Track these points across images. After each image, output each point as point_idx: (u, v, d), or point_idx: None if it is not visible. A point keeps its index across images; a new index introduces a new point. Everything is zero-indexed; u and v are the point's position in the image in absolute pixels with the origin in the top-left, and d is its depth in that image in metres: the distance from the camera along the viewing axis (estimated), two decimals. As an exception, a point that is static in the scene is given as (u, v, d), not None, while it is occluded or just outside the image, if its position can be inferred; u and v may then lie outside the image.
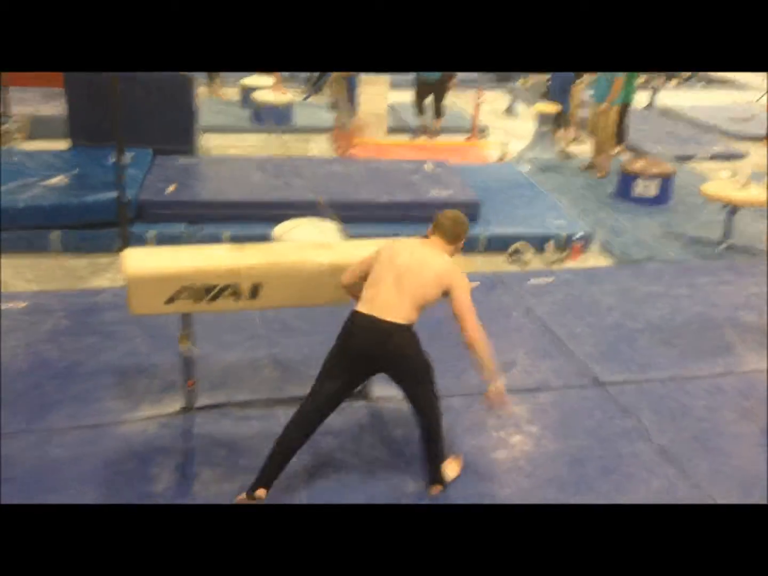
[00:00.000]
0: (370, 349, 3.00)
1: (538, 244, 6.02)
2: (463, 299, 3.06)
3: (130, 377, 3.91)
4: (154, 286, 3.20)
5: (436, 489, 3.23)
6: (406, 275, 3.00)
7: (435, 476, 3.22)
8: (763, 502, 3.25)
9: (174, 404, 3.66)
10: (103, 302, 4.64)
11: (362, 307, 3.03)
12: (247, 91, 10.00)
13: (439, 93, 8.83)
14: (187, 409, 3.63)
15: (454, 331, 4.26)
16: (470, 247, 5.90)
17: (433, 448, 3.20)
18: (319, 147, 8.83)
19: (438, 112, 9.00)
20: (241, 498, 3.02)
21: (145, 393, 3.77)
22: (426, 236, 3.19)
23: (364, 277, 3.12)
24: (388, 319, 2.96)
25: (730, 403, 3.99)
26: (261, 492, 2.98)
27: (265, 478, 3.01)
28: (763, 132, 10.17)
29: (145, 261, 3.27)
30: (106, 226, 5.62)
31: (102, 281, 5.18)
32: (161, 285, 3.19)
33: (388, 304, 2.97)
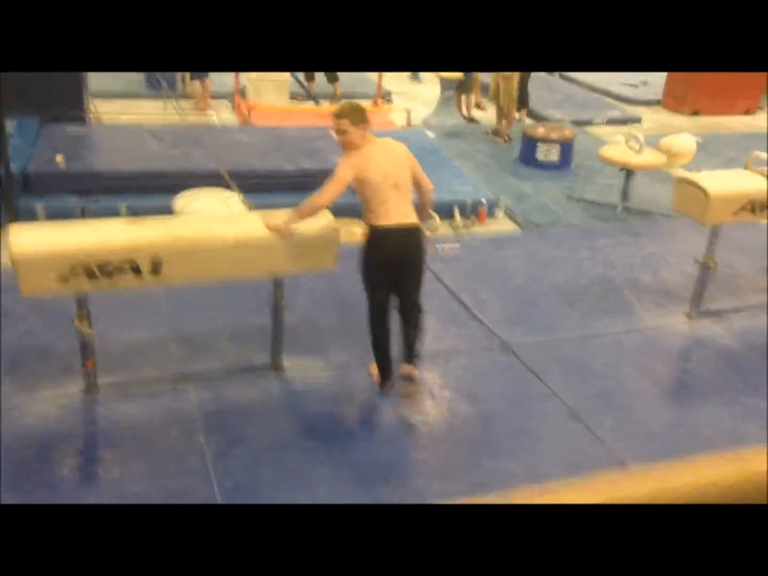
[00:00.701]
0: (404, 253, 3.49)
1: (445, 210, 6.05)
2: (421, 171, 3.63)
3: (27, 359, 3.69)
4: (44, 265, 3.01)
5: (411, 369, 3.76)
6: (398, 182, 3.42)
7: (411, 357, 3.75)
8: (662, 454, 3.40)
9: (73, 386, 3.49)
10: (-9, 282, 4.36)
11: (384, 222, 3.38)
12: (140, 56, 9.56)
13: None
14: (88, 391, 3.46)
15: (361, 306, 4.22)
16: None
17: (416, 334, 3.72)
18: (220, 114, 8.55)
19: (331, 78, 8.97)
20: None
21: (43, 375, 3.58)
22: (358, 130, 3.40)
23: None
24: (410, 223, 3.44)
25: (630, 360, 4.15)
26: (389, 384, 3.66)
27: (385, 373, 3.67)
28: (655, 97, 10.57)
29: (33, 238, 3.07)
30: (-9, 200, 5.27)
31: (-11, 259, 4.86)
32: (52, 263, 3.01)
33: (403, 211, 3.41)
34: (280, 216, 3.38)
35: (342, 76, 10.37)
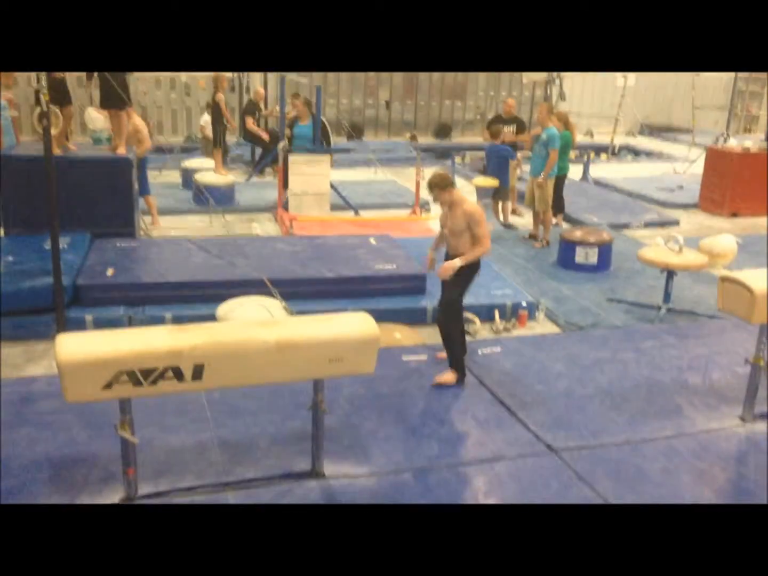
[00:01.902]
0: None
1: (485, 314, 6.05)
2: (480, 231, 4.64)
3: (68, 468, 3.69)
4: (89, 372, 3.05)
5: (448, 376, 4.75)
6: (454, 230, 4.72)
7: (451, 362, 4.79)
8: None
9: (114, 495, 3.45)
10: (38, 391, 4.43)
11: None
12: (188, 173, 10.03)
13: None
14: (128, 500, 3.43)
15: (402, 409, 4.18)
16: (417, 319, 5.91)
17: (446, 340, 4.80)
18: (263, 226, 8.83)
19: None
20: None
21: (83, 484, 3.56)
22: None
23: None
24: (453, 254, 4.78)
25: (684, 465, 3.97)
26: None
27: (461, 369, 4.77)
28: (692, 201, 10.64)
29: (78, 346, 3.12)
30: (42, 312, 5.44)
31: (38, 369, 4.97)
32: (97, 370, 3.05)
33: (449, 243, 4.82)
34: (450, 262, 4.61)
35: (379, 187, 10.72)
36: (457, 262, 4.58)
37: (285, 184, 8.87)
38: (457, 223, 4.63)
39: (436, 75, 16.88)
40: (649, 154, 15.81)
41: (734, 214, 10.10)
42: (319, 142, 9.43)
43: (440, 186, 4.72)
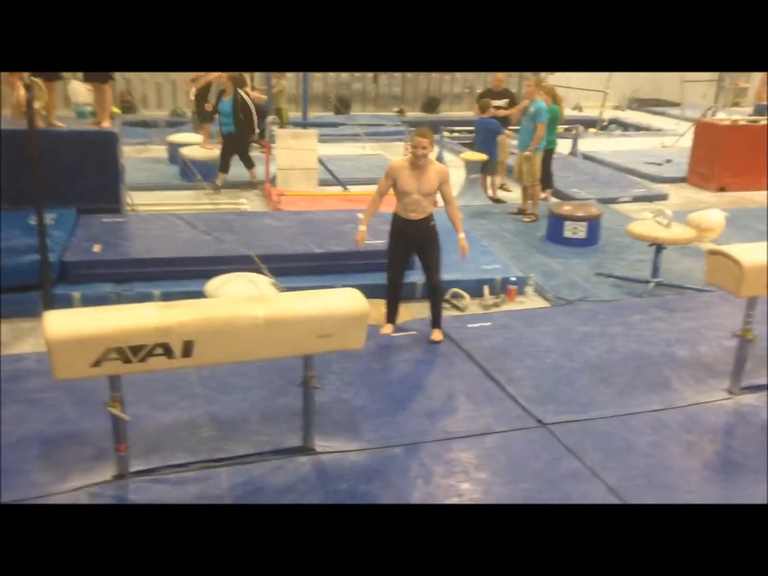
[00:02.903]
0: (414, 237, 4.91)
1: (474, 289, 6.05)
2: (449, 189, 4.89)
3: (59, 446, 3.69)
4: (77, 349, 3.03)
5: (438, 334, 5.00)
6: (420, 182, 4.74)
7: (437, 322, 5.04)
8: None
9: (106, 472, 3.45)
10: (27, 368, 4.41)
11: (403, 214, 4.86)
12: (174, 148, 9.92)
13: (240, 146, 9.07)
14: (120, 476, 3.43)
15: (392, 385, 4.21)
16: (407, 294, 5.90)
17: (438, 302, 5.06)
18: (251, 202, 8.77)
19: (247, 164, 9.27)
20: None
21: (75, 462, 3.55)
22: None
23: (383, 193, 4.93)
24: (422, 217, 4.82)
25: (672, 437, 4.01)
26: (388, 328, 5.09)
27: (390, 316, 5.09)
28: (680, 174, 10.64)
29: (66, 323, 3.10)
30: (29, 289, 5.39)
31: (25, 347, 4.93)
32: (85, 347, 3.03)
33: (419, 207, 4.81)
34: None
35: (367, 162, 10.65)
36: (463, 235, 4.88)
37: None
38: (431, 184, 4.73)
39: (423, 48, 16.73)
40: (638, 128, 15.80)
41: (722, 189, 10.12)
42: (239, 120, 8.96)
43: (431, 141, 4.72)
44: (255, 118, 9.13)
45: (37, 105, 5.49)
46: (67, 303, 5.30)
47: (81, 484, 3.39)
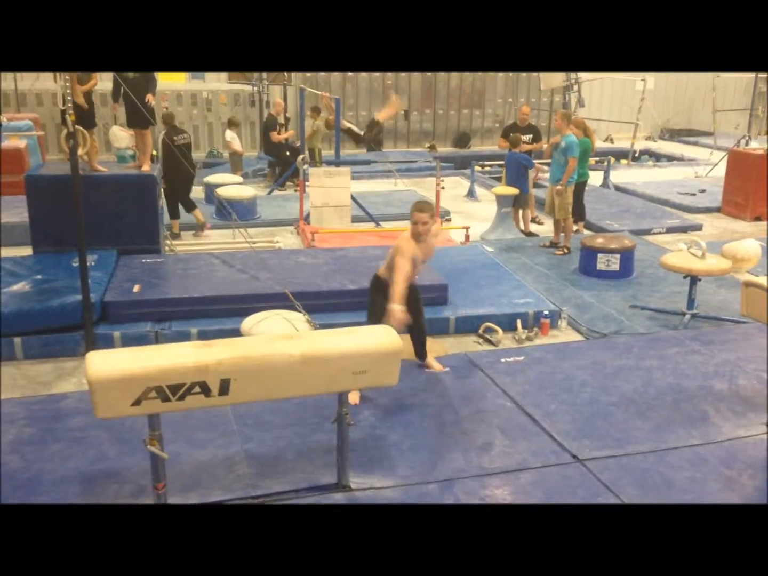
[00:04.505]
0: (409, 298, 4.54)
1: (507, 323, 6.05)
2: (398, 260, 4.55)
3: (98, 483, 3.76)
4: (118, 389, 3.11)
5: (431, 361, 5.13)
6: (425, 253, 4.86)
7: (423, 355, 5.11)
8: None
9: (144, 510, 3.51)
10: (69, 407, 4.52)
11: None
12: (210, 188, 10.15)
13: (177, 193, 8.56)
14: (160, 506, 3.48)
15: (426, 420, 4.22)
16: (440, 329, 5.93)
17: (423, 344, 5.10)
18: (285, 240, 8.91)
19: (187, 208, 8.82)
20: None
21: (114, 499, 3.62)
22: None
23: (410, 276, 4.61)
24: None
25: (712, 473, 3.95)
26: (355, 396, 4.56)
27: None
28: (714, 204, 10.56)
29: (108, 363, 3.19)
30: (71, 329, 5.54)
31: (68, 386, 5.06)
32: (126, 387, 3.11)
33: (420, 272, 5.00)
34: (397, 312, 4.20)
35: (400, 197, 10.76)
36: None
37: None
38: (431, 249, 4.92)
39: (453, 83, 16.94)
40: (670, 158, 15.73)
41: (758, 218, 10.01)
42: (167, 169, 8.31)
43: (432, 215, 4.75)
44: (188, 159, 8.60)
45: (80, 151, 5.69)
46: (108, 342, 5.44)
47: (121, 522, 3.45)
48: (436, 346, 5.58)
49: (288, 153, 11.81)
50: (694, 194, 11.18)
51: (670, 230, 9.38)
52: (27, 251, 6.98)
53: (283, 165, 11.87)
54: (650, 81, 14.55)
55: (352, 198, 9.21)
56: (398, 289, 4.35)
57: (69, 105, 5.39)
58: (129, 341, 5.43)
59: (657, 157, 16.07)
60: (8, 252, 7.35)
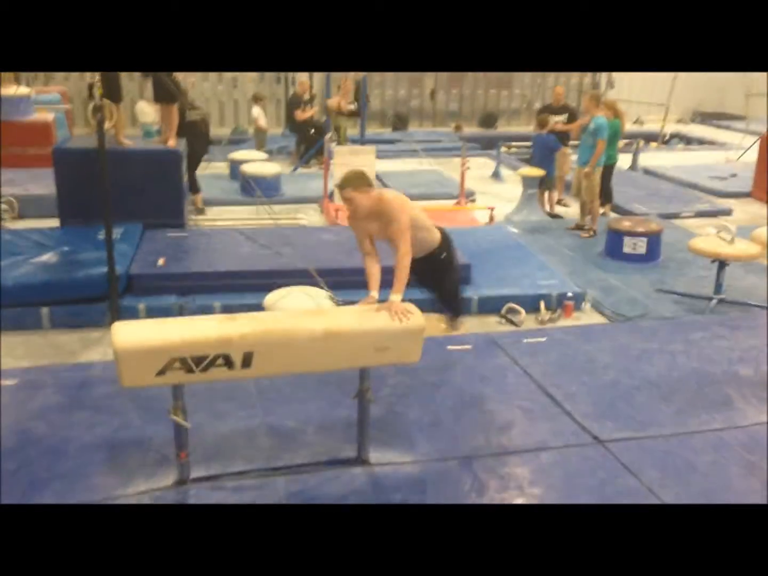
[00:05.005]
0: None
1: (530, 304, 6.02)
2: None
3: (123, 451, 3.82)
4: (144, 359, 3.15)
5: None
6: None
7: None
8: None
9: (168, 478, 3.57)
10: (94, 376, 4.58)
11: None
12: (235, 164, 10.17)
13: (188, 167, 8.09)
14: (181, 482, 3.53)
15: (447, 398, 4.23)
16: (463, 308, 5.91)
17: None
18: (309, 217, 8.92)
19: (191, 187, 8.48)
20: None
21: (138, 467, 3.68)
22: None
23: None
24: None
25: (735, 457, 3.92)
26: None
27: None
28: (744, 189, 10.38)
29: (134, 334, 3.23)
30: (97, 300, 5.61)
31: (93, 355, 5.13)
32: (151, 357, 3.15)
33: None
34: (396, 304, 3.54)
35: (424, 177, 10.71)
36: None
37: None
38: (391, 227, 3.88)
39: (481, 64, 16.76)
40: (701, 142, 15.47)
41: (789, 203, 9.83)
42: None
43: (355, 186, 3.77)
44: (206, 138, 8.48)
45: (107, 125, 5.73)
46: (132, 314, 5.50)
47: (144, 489, 3.51)
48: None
49: (313, 131, 11.79)
50: (724, 178, 10.99)
51: (699, 214, 9.24)
52: (54, 223, 7.06)
53: (307, 143, 11.85)
54: (682, 63, 14.27)
55: (377, 177, 9.17)
56: (402, 276, 3.64)
57: (96, 79, 5.42)
58: (153, 313, 5.48)
59: (687, 140, 15.81)
60: (36, 224, 7.44)
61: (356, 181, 3.75)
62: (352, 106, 9.77)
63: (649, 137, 14.63)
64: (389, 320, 3.49)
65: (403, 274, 3.62)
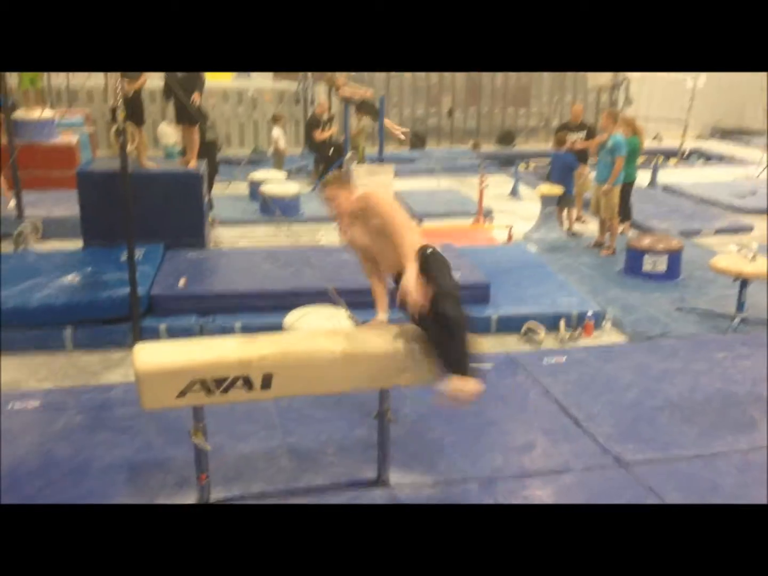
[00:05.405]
0: None
1: (550, 323, 6.00)
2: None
3: (144, 473, 3.84)
4: (164, 381, 3.18)
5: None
6: None
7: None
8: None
9: (188, 499, 3.58)
10: (116, 398, 4.61)
11: None
12: (254, 185, 10.26)
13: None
14: (201, 505, 3.54)
15: (467, 419, 4.22)
16: (482, 328, 5.91)
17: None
18: (328, 236, 8.96)
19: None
20: None
21: (159, 488, 3.69)
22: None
23: None
24: None
25: (760, 479, 3.86)
26: None
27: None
28: (765, 205, 10.29)
29: (155, 356, 3.25)
30: (119, 321, 5.66)
31: (115, 377, 5.17)
32: (172, 379, 3.17)
33: None
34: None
35: (442, 196, 10.74)
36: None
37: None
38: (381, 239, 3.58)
39: (498, 81, 16.81)
40: (721, 158, 15.38)
41: (811, 220, 9.72)
42: None
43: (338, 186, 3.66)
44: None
45: (129, 147, 5.81)
46: (154, 334, 5.54)
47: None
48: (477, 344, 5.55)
49: (332, 150, 11.87)
50: (745, 195, 10.90)
51: (720, 232, 9.17)
52: (77, 244, 7.15)
53: (326, 162, 11.92)
54: (701, 78, 14.20)
55: (395, 196, 9.21)
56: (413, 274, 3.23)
57: (119, 102, 5.50)
58: (174, 333, 5.52)
59: (707, 156, 15.72)
60: (59, 245, 7.55)
61: (339, 180, 3.67)
62: (368, 93, 9.71)
63: (668, 153, 14.57)
64: (409, 340, 3.48)
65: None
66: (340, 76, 9.46)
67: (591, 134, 9.58)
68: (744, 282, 6.04)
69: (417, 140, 15.43)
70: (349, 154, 9.37)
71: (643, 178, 10.42)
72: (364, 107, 9.51)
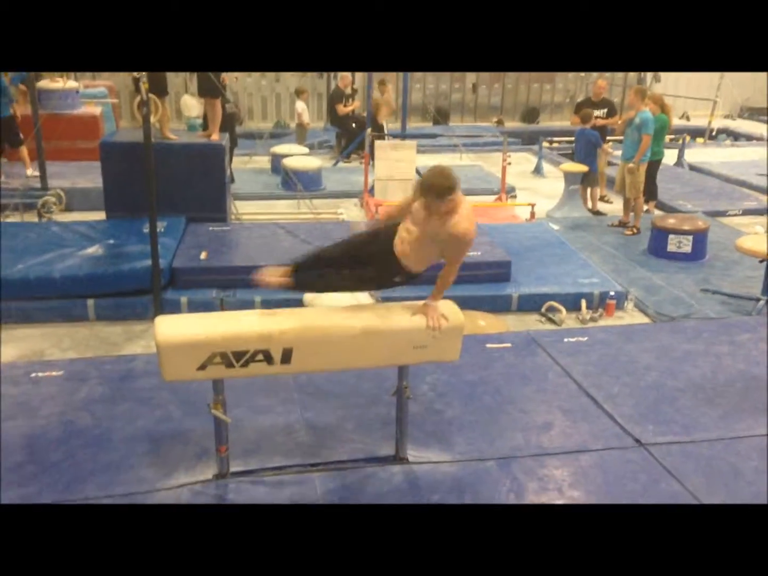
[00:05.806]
0: None
1: (571, 302, 5.95)
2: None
3: (164, 444, 3.88)
4: (185, 353, 3.19)
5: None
6: None
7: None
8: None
9: (208, 471, 3.61)
10: (137, 369, 4.65)
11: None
12: (276, 158, 10.24)
13: None
14: (221, 476, 3.57)
15: (486, 397, 4.20)
16: (503, 306, 5.88)
17: None
18: (349, 211, 8.93)
19: None
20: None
21: (179, 460, 3.73)
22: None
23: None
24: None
25: (782, 464, 3.82)
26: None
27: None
28: (795, 186, 10.10)
29: (176, 328, 3.27)
30: (141, 293, 5.70)
31: (136, 348, 5.22)
32: (192, 352, 3.19)
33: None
34: (432, 308, 3.41)
35: (465, 172, 10.64)
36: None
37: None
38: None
39: (524, 57, 16.58)
40: (749, 138, 15.10)
41: (842, 201, 9.54)
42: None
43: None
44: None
45: (152, 119, 5.81)
46: (175, 307, 5.57)
47: (184, 482, 3.56)
48: (497, 323, 5.53)
49: (354, 125, 11.80)
50: (773, 175, 10.71)
51: (747, 212, 9.02)
52: (100, 216, 7.19)
53: (348, 137, 11.86)
54: (731, 56, 13.91)
55: (417, 171, 9.15)
56: (442, 287, 3.47)
57: (143, 74, 5.48)
58: (195, 307, 5.55)
59: (735, 136, 15.44)
60: (83, 216, 7.60)
61: (441, 187, 3.25)
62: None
63: (696, 133, 14.33)
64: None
65: (444, 286, 3.46)
66: None
67: (612, 111, 9.43)
68: (770, 264, 5.94)
69: (440, 116, 15.29)
70: (369, 129, 9.30)
71: (669, 157, 10.27)
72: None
